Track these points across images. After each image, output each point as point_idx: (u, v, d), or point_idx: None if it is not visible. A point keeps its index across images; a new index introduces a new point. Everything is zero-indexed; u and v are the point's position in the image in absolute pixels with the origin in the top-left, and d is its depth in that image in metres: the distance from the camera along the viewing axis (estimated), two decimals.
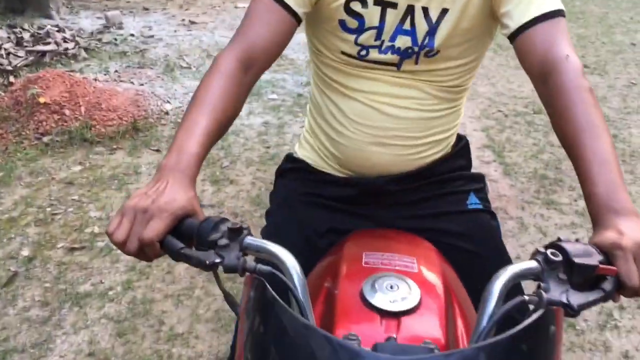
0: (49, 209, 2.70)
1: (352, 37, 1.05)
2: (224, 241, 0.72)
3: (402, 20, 1.03)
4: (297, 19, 1.02)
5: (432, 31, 1.03)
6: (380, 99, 1.10)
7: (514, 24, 0.95)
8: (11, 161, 3.09)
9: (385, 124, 1.11)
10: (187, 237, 0.75)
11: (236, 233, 0.73)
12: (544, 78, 0.91)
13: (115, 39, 5.21)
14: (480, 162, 3.28)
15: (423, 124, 1.13)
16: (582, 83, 0.87)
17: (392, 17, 1.02)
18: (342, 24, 1.05)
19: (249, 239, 0.74)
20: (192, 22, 5.98)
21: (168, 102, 3.86)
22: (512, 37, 0.97)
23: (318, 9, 1.05)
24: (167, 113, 3.72)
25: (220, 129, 0.89)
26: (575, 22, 6.53)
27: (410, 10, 1.02)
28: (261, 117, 3.78)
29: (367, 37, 1.05)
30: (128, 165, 3.11)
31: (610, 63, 5.10)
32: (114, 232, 0.73)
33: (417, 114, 1.11)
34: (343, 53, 1.08)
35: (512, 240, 2.54)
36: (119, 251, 0.71)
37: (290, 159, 1.31)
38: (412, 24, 1.03)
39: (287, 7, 1.00)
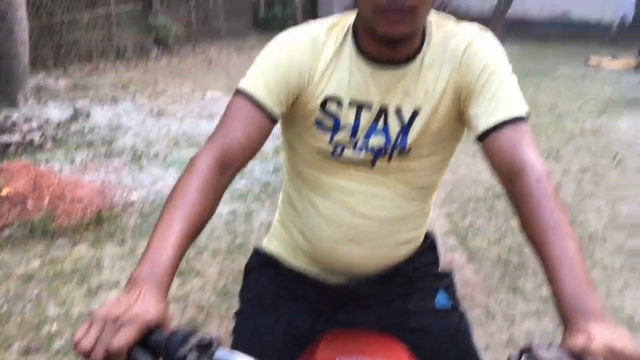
0: (5, 307, 2.59)
1: (327, 136, 1.09)
2: (193, 356, 0.71)
3: (376, 120, 1.08)
4: (274, 119, 1.04)
5: (404, 131, 1.08)
6: (353, 197, 1.13)
7: (481, 126, 1.00)
8: None
9: (358, 222, 1.13)
10: (155, 351, 0.74)
11: (206, 347, 0.73)
12: (511, 180, 0.95)
13: (83, 129, 5.25)
14: (445, 248, 3.33)
15: (395, 223, 1.15)
16: (547, 186, 0.90)
17: (367, 117, 1.07)
18: (318, 123, 1.09)
19: (219, 353, 0.73)
20: (161, 112, 6.09)
21: (134, 191, 3.85)
22: (480, 138, 1.01)
23: (294, 108, 1.09)
24: (132, 203, 3.70)
25: (195, 232, 0.90)
26: None
27: (383, 111, 1.07)
28: (229, 205, 3.79)
29: (342, 137, 1.09)
30: (90, 258, 3.04)
31: (562, 149, 5.37)
32: (80, 341, 0.71)
33: (390, 213, 1.14)
34: (318, 151, 1.12)
35: (481, 329, 2.54)
36: (76, 354, 0.69)
37: (259, 253, 1.31)
38: (385, 123, 1.08)
39: (264, 108, 1.02)
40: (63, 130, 5.15)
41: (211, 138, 1.02)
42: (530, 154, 0.95)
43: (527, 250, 3.27)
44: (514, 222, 3.63)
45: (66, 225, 3.30)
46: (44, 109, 5.88)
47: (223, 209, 3.73)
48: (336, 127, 1.09)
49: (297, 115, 1.11)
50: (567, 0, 16.49)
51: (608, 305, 2.73)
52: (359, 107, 1.07)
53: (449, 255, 3.24)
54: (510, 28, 15.39)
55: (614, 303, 2.77)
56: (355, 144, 1.09)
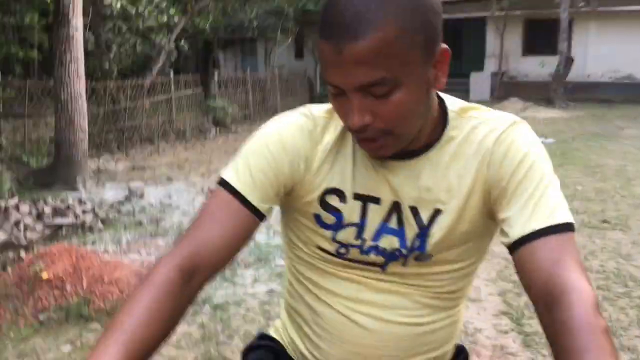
0: None
1: (329, 233, 0.93)
2: None
3: (387, 218, 0.91)
4: (260, 216, 0.89)
5: (422, 233, 0.90)
6: (360, 308, 0.95)
7: (513, 234, 0.82)
8: (2, 342, 2.98)
9: (367, 340, 0.95)
10: None
11: None
12: (548, 307, 0.75)
13: (134, 209, 5.37)
14: (496, 331, 3.03)
15: (413, 340, 0.96)
16: (596, 322, 0.70)
17: (375, 214, 0.91)
18: (318, 218, 0.93)
19: None
20: (211, 190, 6.18)
21: None
22: (512, 248, 0.82)
23: (290, 202, 0.96)
24: None
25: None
26: (593, 176, 6.51)
27: (396, 207, 0.90)
28: (266, 284, 3.66)
29: (346, 235, 0.93)
30: None
31: (632, 218, 4.94)
32: None
33: (406, 329, 0.95)
34: (320, 248, 0.96)
35: None
36: None
37: (263, 336, 1.15)
38: (400, 222, 0.91)
39: (247, 204, 0.88)
40: (115, 211, 5.28)
41: (180, 239, 0.88)
42: (574, 276, 0.75)
43: None
44: None
45: (102, 308, 3.27)
46: (101, 190, 6.11)
47: (260, 287, 3.60)
48: (339, 223, 0.93)
49: (294, 209, 0.97)
50: (630, 62, 15.99)
51: None
52: (365, 202, 0.91)
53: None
54: (573, 92, 15.04)
55: None
56: (362, 244, 0.92)
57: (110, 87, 8.64)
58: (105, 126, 8.29)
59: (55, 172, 6.17)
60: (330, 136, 0.92)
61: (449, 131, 0.90)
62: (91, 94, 6.66)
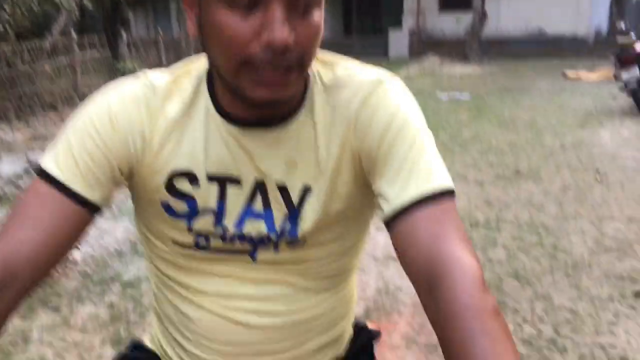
0: None
1: (183, 223, 0.79)
2: None
3: (251, 200, 0.78)
4: (92, 207, 0.73)
5: (293, 216, 0.78)
6: (233, 303, 0.82)
7: (387, 208, 0.70)
8: None
9: (245, 337, 0.82)
10: None
11: None
12: (430, 288, 0.64)
13: None
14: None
15: (297, 328, 0.84)
16: (482, 303, 0.59)
17: (235, 196, 0.78)
18: (167, 207, 0.79)
19: None
20: None
21: (77, 248, 3.53)
22: (388, 226, 0.71)
23: (134, 187, 0.79)
24: (75, 263, 3.38)
25: None
26: (506, 129, 6.70)
27: (260, 187, 0.77)
28: None
29: (203, 223, 0.79)
30: (16, 330, 2.70)
31: (543, 168, 5.11)
32: None
33: (288, 318, 0.83)
34: (176, 243, 0.82)
35: None
36: None
37: (137, 346, 0.99)
38: (267, 204, 0.78)
39: (72, 194, 0.71)
40: (12, 186, 4.84)
41: None
42: (458, 248, 0.64)
43: (507, 286, 2.97)
44: (493, 253, 3.34)
45: None
46: None
47: None
48: (192, 211, 0.78)
49: (140, 198, 0.81)
50: (541, 17, 16.61)
51: (597, 343, 2.42)
52: (223, 183, 0.77)
53: None
54: (487, 48, 15.43)
55: (604, 341, 2.45)
56: (224, 233, 0.79)
57: (4, 50, 7.88)
58: (1, 92, 7.58)
59: None
60: (174, 107, 0.76)
61: (315, 93, 0.77)
62: None
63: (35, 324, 2.77)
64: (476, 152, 5.75)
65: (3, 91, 7.65)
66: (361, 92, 0.75)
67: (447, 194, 0.70)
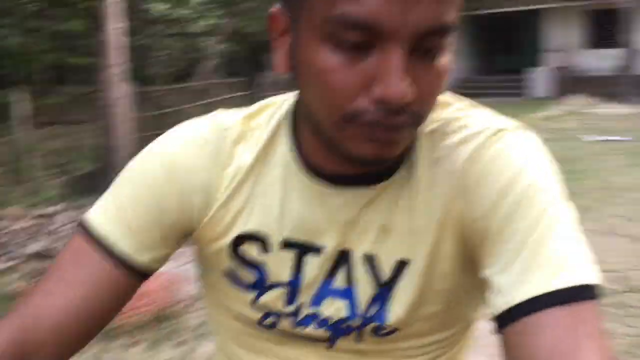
0: None
1: (249, 296, 0.66)
2: None
3: (331, 274, 0.64)
4: (139, 272, 0.62)
5: (382, 296, 0.62)
6: None
7: (498, 303, 0.53)
8: None
9: None
10: None
11: None
12: None
13: None
14: None
15: None
16: None
17: (315, 268, 0.63)
18: (231, 275, 0.66)
19: None
20: None
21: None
22: (497, 324, 0.54)
23: (197, 248, 0.68)
24: (198, 299, 3.47)
25: None
26: None
27: (344, 258, 0.62)
28: None
29: (272, 299, 0.65)
30: None
31: None
32: None
33: None
34: (237, 318, 0.69)
35: None
36: None
37: None
38: (350, 280, 0.63)
39: (116, 254, 0.61)
40: None
41: (19, 305, 0.61)
42: None
43: None
44: None
45: (127, 323, 3.11)
46: None
47: None
48: (261, 282, 0.65)
49: (203, 261, 0.69)
50: None
51: None
52: (301, 252, 0.63)
53: None
54: (639, 86, 14.10)
55: None
56: (297, 312, 0.65)
57: (156, 92, 8.65)
58: (153, 131, 8.29)
59: (99, 178, 6.16)
60: (246, 152, 0.63)
61: (420, 146, 0.60)
62: (138, 98, 6.63)
63: (161, 356, 2.86)
64: (630, 203, 5.13)
65: (156, 130, 8.35)
66: (474, 141, 0.58)
67: (586, 292, 0.51)
